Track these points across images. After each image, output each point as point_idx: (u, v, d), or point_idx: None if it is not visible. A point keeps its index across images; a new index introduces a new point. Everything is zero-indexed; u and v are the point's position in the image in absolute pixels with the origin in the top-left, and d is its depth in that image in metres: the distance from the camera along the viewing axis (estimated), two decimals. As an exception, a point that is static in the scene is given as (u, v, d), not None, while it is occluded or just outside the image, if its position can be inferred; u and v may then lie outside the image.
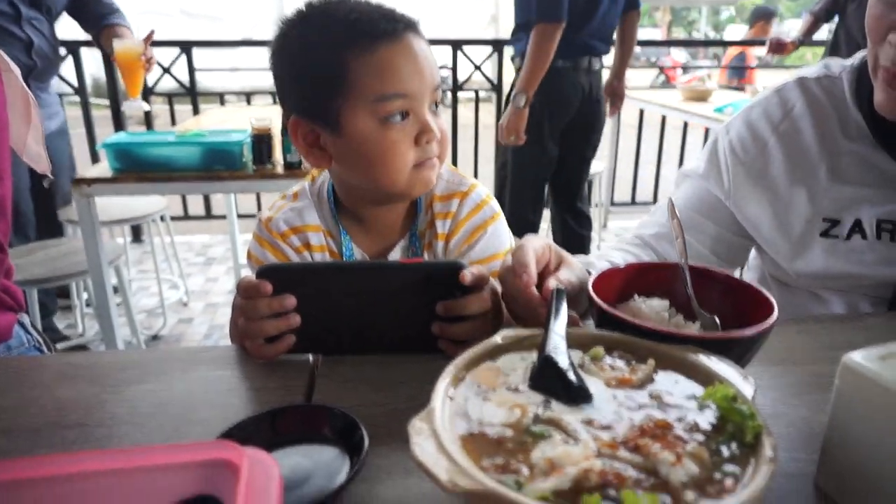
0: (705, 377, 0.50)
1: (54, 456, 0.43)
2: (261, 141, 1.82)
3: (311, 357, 0.71)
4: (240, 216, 3.28)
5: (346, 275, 0.69)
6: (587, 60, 2.50)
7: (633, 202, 4.59)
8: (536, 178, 2.72)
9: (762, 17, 5.54)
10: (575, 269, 0.72)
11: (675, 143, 4.49)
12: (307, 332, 0.68)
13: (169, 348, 0.69)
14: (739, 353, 0.56)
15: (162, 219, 2.85)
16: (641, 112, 4.23)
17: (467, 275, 0.66)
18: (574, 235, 2.89)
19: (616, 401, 0.48)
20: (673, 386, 0.50)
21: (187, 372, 0.68)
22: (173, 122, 3.76)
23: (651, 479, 0.40)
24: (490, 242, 0.91)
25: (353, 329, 0.70)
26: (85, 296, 2.95)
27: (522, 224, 2.69)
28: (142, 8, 10.85)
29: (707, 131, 4.18)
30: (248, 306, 0.66)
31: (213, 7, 11.39)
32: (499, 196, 2.70)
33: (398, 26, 0.78)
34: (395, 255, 0.92)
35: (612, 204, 4.49)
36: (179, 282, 3.17)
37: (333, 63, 0.77)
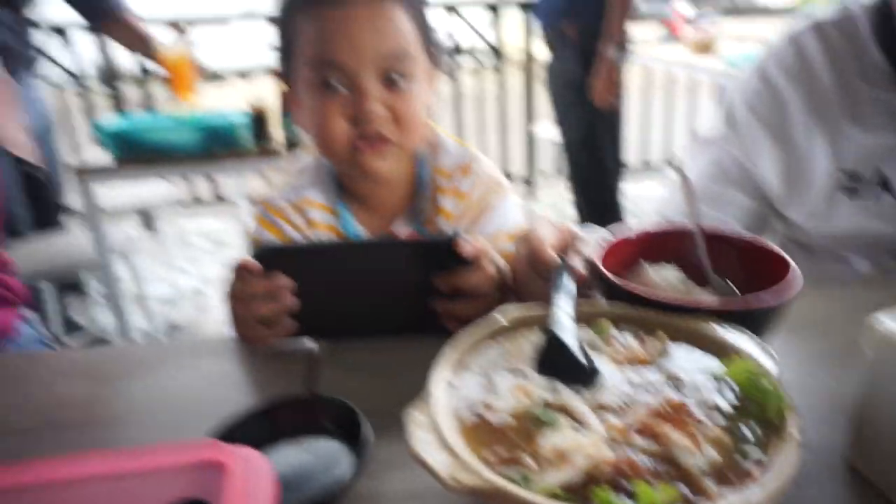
0: (721, 350, 0.47)
1: (40, 461, 0.41)
2: (260, 119, 1.79)
3: (311, 345, 0.69)
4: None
5: (341, 252, 0.67)
6: None
7: (646, 167, 4.50)
8: (618, 145, 2.56)
9: None
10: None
11: (685, 106, 4.37)
12: (306, 315, 0.66)
13: (166, 343, 0.68)
14: (760, 322, 0.53)
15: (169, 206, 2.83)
16: (647, 71, 4.11)
17: (464, 245, 0.63)
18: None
19: (627, 380, 0.45)
20: (687, 361, 0.47)
21: (187, 366, 0.66)
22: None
23: (667, 467, 0.37)
24: (499, 219, 0.87)
25: (353, 311, 0.67)
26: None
27: (611, 208, 2.52)
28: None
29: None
30: (239, 287, 0.64)
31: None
32: (581, 178, 2.53)
33: None
34: (398, 231, 0.88)
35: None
36: (192, 269, 3.17)
37: (287, 23, 0.77)
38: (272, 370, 0.64)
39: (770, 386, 0.41)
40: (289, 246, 0.76)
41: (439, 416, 0.41)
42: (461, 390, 0.45)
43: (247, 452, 0.40)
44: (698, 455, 0.37)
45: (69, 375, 0.66)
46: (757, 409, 0.41)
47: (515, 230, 0.87)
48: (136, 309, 2.37)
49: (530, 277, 0.64)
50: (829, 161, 0.86)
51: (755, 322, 0.52)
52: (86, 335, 2.57)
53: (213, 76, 3.88)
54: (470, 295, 0.66)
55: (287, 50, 0.78)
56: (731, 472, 0.36)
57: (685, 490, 0.35)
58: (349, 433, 0.51)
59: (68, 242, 2.22)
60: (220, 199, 4.04)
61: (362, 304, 0.67)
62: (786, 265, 0.57)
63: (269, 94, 1.88)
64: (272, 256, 0.64)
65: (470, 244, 0.64)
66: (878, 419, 0.45)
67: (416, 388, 0.59)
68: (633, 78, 4.07)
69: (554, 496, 0.35)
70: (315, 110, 0.75)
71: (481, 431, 0.41)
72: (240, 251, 2.95)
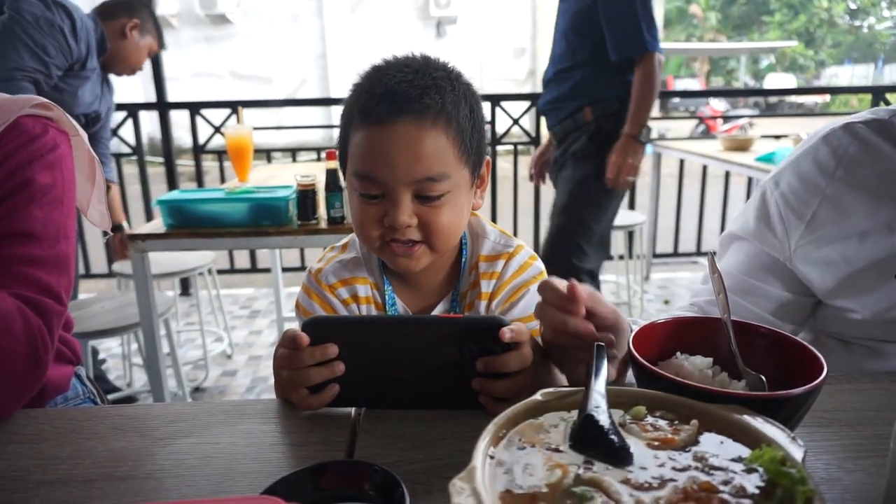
0: (752, 439, 0.49)
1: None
2: (306, 197, 1.88)
3: (352, 412, 0.72)
4: (284, 269, 3.36)
5: (387, 327, 0.71)
6: None
7: (676, 253, 4.52)
8: (609, 226, 2.64)
9: None
10: (607, 306, 0.71)
11: (717, 193, 4.44)
12: (349, 385, 0.69)
13: (214, 402, 0.72)
14: (788, 413, 0.55)
15: (210, 272, 2.94)
16: (682, 162, 4.21)
17: (506, 332, 0.66)
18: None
19: (658, 462, 0.47)
20: (718, 447, 0.49)
21: (232, 425, 0.70)
22: (222, 178, 3.92)
23: (697, 545, 0.39)
24: (533, 301, 0.90)
25: (396, 382, 0.70)
26: (133, 346, 3.04)
27: (588, 279, 2.52)
28: (194, 70, 11.50)
29: (749, 181, 4.14)
30: (291, 356, 0.68)
31: (262, 68, 11.96)
32: (554, 248, 2.55)
33: (391, 109, 0.77)
34: (437, 313, 0.93)
35: (654, 255, 4.43)
36: (224, 334, 3.25)
37: (343, 128, 0.86)
38: (314, 435, 0.67)
39: (798, 474, 0.43)
40: (338, 318, 0.81)
41: (480, 486, 0.43)
42: (501, 462, 0.47)
43: (299, 510, 0.43)
44: (727, 536, 0.39)
45: (122, 430, 0.70)
46: (784, 494, 0.43)
47: None
48: (167, 371, 2.43)
49: (560, 325, 0.67)
50: (882, 250, 0.85)
51: (784, 412, 0.54)
52: (117, 395, 2.64)
53: (265, 155, 4.11)
54: (507, 375, 0.69)
55: (342, 151, 0.86)
56: (759, 555, 0.38)
57: (715, 569, 0.37)
58: (388, 499, 0.54)
59: (113, 304, 2.32)
60: (255, 268, 4.17)
61: (404, 376, 0.70)
62: (814, 359, 0.60)
63: (316, 172, 1.99)
64: (322, 327, 0.69)
65: (511, 331, 0.67)
66: (907, 515, 0.45)
67: (451, 458, 0.62)
68: (667, 168, 4.20)
69: (588, 566, 0.37)
70: (355, 209, 0.84)
71: (519, 502, 0.44)
72: (272, 320, 3.01)
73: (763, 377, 0.62)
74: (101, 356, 2.90)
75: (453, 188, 0.82)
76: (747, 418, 0.51)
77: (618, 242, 3.79)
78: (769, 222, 0.93)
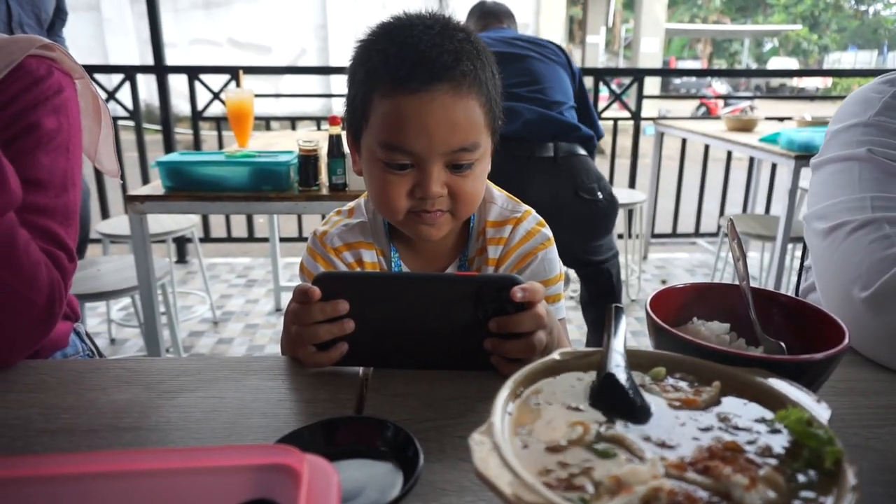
0: (775, 401, 0.48)
1: (116, 452, 0.43)
2: (307, 162, 1.85)
3: (361, 370, 0.71)
4: (282, 239, 3.34)
5: (399, 284, 0.69)
6: None
7: (675, 234, 4.52)
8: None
9: None
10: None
11: (718, 175, 4.42)
12: (359, 343, 0.68)
13: (220, 357, 0.70)
14: (809, 378, 0.54)
15: (200, 239, 2.92)
16: (684, 142, 4.18)
17: (517, 292, 0.65)
18: None
19: (680, 422, 0.46)
20: (741, 409, 0.48)
21: (238, 381, 0.68)
22: (221, 146, 3.87)
23: (723, 502, 0.38)
24: (540, 267, 0.90)
25: (406, 341, 0.69)
26: (115, 311, 3.04)
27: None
28: (191, 37, 11.31)
29: (751, 163, 4.11)
30: (301, 311, 0.67)
31: (261, 37, 11.77)
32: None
33: (427, 77, 0.73)
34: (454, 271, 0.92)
35: (653, 235, 4.42)
36: (206, 296, 3.23)
37: (361, 94, 0.79)
38: (322, 392, 0.66)
39: (826, 434, 0.42)
40: (349, 273, 0.79)
41: (500, 440, 0.42)
42: (519, 419, 0.46)
43: (317, 460, 0.41)
44: (755, 493, 0.38)
45: (125, 382, 0.68)
46: (811, 455, 0.42)
47: (551, 279, 0.90)
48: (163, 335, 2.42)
49: None
50: None
51: (805, 378, 0.53)
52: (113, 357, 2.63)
53: (265, 123, 4.06)
54: (520, 336, 0.67)
55: (360, 116, 0.80)
56: (791, 511, 0.37)
57: (744, 525, 0.36)
58: (400, 456, 0.53)
59: (108, 267, 2.30)
60: (252, 238, 4.14)
61: (415, 335, 0.69)
62: (835, 325, 0.58)
63: (318, 138, 1.96)
64: (333, 282, 0.67)
65: (523, 290, 0.66)
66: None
67: (462, 417, 0.61)
68: (667, 150, 4.16)
69: (615, 519, 0.36)
70: (378, 180, 0.79)
71: (539, 458, 0.42)
72: (269, 289, 2.99)
73: (782, 344, 0.61)
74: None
75: (482, 156, 0.80)
76: (771, 381, 0.50)
77: (618, 221, 3.77)
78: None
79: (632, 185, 4.20)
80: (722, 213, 4.40)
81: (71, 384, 0.68)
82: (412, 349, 0.70)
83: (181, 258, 4.04)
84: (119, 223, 2.76)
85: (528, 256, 0.90)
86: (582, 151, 2.21)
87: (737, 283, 0.66)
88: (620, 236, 3.62)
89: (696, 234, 4.54)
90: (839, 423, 0.60)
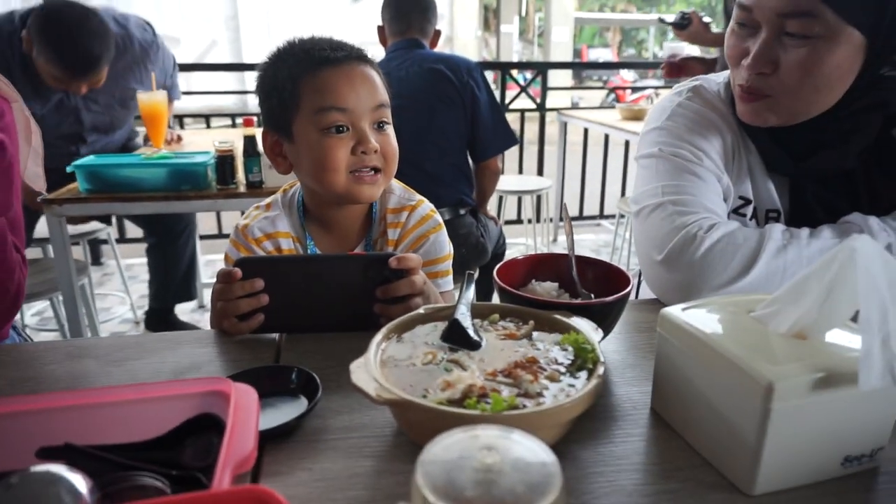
0: (568, 329, 0.69)
1: (83, 390, 0.59)
2: (224, 162, 1.96)
3: (276, 336, 0.87)
4: (201, 237, 3.39)
5: (303, 264, 0.87)
6: None
7: (581, 216, 4.85)
8: None
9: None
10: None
11: (618, 159, 4.78)
12: (273, 313, 0.85)
13: (158, 334, 0.84)
14: (601, 316, 0.75)
15: (116, 240, 2.95)
16: (586, 131, 4.50)
17: (393, 261, 0.84)
18: None
19: (501, 348, 0.66)
20: (546, 337, 0.69)
21: (174, 350, 0.84)
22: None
23: (520, 394, 0.58)
24: (432, 248, 1.09)
25: (312, 310, 0.86)
26: (29, 316, 3.03)
27: None
28: (94, 30, 10.79)
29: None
30: (224, 289, 0.83)
31: (168, 28, 11.37)
32: None
33: (341, 54, 0.96)
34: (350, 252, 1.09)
35: (561, 219, 4.74)
36: (126, 297, 3.26)
37: (289, 84, 0.96)
38: (245, 353, 0.83)
39: (591, 347, 0.63)
40: (264, 257, 0.96)
41: (370, 364, 0.61)
42: (389, 352, 0.65)
43: (241, 385, 0.58)
44: (536, 384, 0.58)
45: (77, 357, 0.82)
46: (582, 362, 0.63)
47: (440, 258, 1.09)
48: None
49: None
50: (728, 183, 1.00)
51: (598, 316, 0.74)
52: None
53: (178, 121, 4.05)
54: (401, 300, 0.86)
55: (290, 106, 0.96)
56: (559, 393, 0.58)
57: (525, 401, 0.56)
58: (305, 391, 0.70)
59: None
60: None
61: (319, 305, 0.86)
62: (626, 279, 0.80)
63: (233, 138, 2.07)
64: (251, 265, 0.84)
65: (401, 260, 0.84)
66: (664, 377, 0.67)
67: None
68: (573, 136, 4.47)
69: (440, 404, 0.55)
70: (321, 147, 0.95)
71: (402, 374, 0.61)
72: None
73: (592, 295, 0.83)
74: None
75: (390, 120, 1.01)
76: (572, 319, 0.71)
77: (526, 207, 4.04)
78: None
79: (540, 172, 4.50)
80: (623, 195, 4.77)
81: (29, 361, 0.81)
82: (317, 316, 0.87)
83: (96, 260, 4.00)
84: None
85: (421, 238, 1.09)
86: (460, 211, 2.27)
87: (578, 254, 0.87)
88: (530, 221, 3.89)
89: (601, 216, 4.90)
90: (628, 346, 0.82)
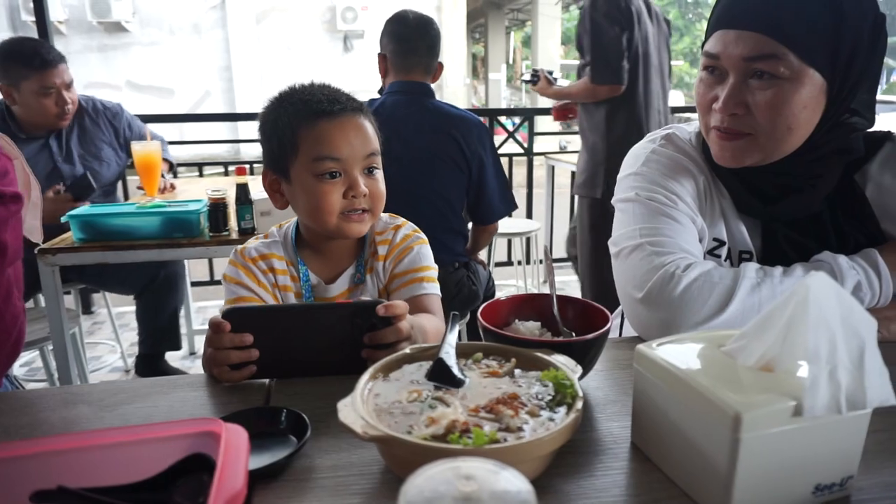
0: (548, 366, 0.71)
1: (80, 433, 0.60)
2: (217, 209, 2.00)
3: (266, 380, 0.89)
4: (193, 283, 3.41)
5: (292, 314, 0.89)
6: None
7: (569, 257, 4.89)
8: None
9: None
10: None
11: (605, 201, 4.86)
12: (263, 362, 0.87)
13: (151, 379, 0.86)
14: (581, 353, 0.78)
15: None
16: (573, 174, 4.58)
17: (380, 308, 0.87)
18: None
19: (483, 385, 0.69)
20: (528, 374, 0.71)
21: (167, 394, 0.85)
22: (126, 195, 3.89)
23: (502, 429, 0.61)
24: (416, 257, 1.17)
25: (301, 357, 0.88)
26: (17, 367, 3.01)
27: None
28: (87, 80, 10.99)
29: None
30: (214, 338, 0.85)
31: (163, 80, 11.61)
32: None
33: (337, 108, 1.04)
34: (344, 278, 1.14)
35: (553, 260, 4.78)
36: (116, 346, 3.25)
37: (288, 131, 1.05)
38: (236, 396, 0.84)
39: (570, 383, 0.66)
40: (252, 308, 0.98)
41: (357, 402, 0.63)
42: (376, 391, 0.67)
43: (232, 426, 0.60)
44: (517, 418, 0.61)
45: (71, 403, 0.84)
46: (562, 397, 0.65)
47: (425, 266, 1.16)
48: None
49: None
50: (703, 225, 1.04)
51: (578, 353, 0.77)
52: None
53: (174, 171, 4.11)
54: (389, 346, 0.88)
55: (288, 152, 1.05)
56: (539, 427, 0.60)
57: (506, 435, 0.58)
58: (294, 431, 0.72)
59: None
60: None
61: (308, 352, 0.88)
62: (605, 317, 0.83)
63: (225, 186, 2.11)
64: (240, 315, 0.86)
65: (388, 308, 0.87)
66: (642, 411, 0.69)
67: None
68: (561, 178, 4.56)
69: (424, 439, 0.57)
70: (316, 191, 1.04)
71: (388, 412, 0.63)
72: (181, 333, 3.02)
73: (573, 333, 0.86)
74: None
75: (380, 165, 1.09)
76: (552, 356, 0.74)
77: (516, 249, 4.09)
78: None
79: (529, 214, 4.56)
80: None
81: (23, 408, 0.83)
82: (307, 361, 0.89)
83: (87, 309, 3.99)
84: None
85: (406, 250, 1.16)
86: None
87: (559, 294, 0.90)
88: (520, 262, 3.94)
89: (590, 256, 4.94)
90: (609, 381, 0.85)
